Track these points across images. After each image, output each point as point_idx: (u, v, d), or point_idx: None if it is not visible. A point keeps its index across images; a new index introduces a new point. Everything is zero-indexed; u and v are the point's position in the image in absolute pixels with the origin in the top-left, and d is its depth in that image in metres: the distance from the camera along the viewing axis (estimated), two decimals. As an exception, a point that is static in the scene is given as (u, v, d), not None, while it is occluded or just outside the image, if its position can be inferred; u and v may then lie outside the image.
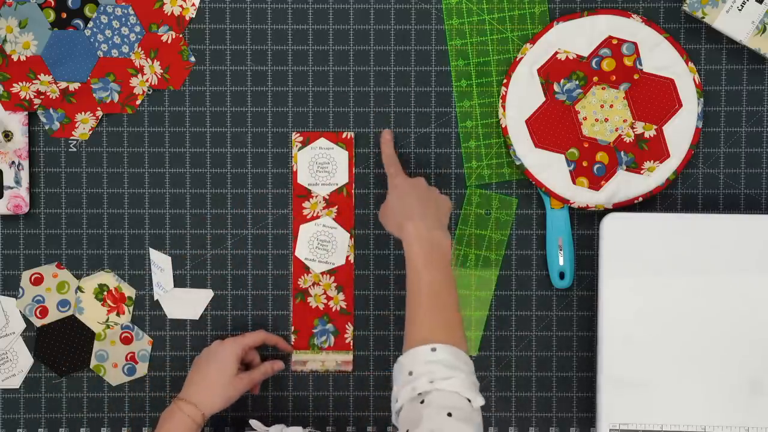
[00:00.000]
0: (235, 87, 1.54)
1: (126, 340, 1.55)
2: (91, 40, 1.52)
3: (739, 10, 1.48)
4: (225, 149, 1.55)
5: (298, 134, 1.54)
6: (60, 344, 1.54)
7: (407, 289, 1.37)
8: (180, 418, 1.43)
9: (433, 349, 1.31)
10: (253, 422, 1.47)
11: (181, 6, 1.53)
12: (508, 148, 1.52)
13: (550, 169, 1.51)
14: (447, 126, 1.55)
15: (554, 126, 1.51)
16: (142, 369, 1.55)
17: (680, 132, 1.51)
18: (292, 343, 1.55)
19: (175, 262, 1.55)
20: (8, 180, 1.52)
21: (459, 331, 1.34)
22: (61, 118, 1.53)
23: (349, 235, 1.54)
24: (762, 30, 1.49)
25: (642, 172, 1.51)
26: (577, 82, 1.51)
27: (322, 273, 1.55)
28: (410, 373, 1.30)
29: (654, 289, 1.47)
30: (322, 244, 1.54)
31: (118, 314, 1.55)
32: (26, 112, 1.53)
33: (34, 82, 1.52)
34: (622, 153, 1.51)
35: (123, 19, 1.52)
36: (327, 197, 1.54)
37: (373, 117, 1.55)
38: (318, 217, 1.54)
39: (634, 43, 1.51)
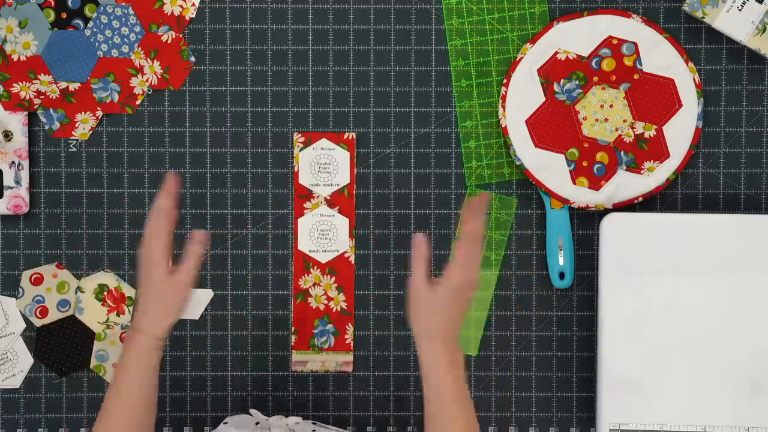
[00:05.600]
0: (235, 87, 1.54)
1: (126, 341, 1.55)
2: (91, 40, 1.52)
3: (739, 10, 1.48)
4: (225, 149, 1.55)
5: (300, 135, 1.54)
6: (60, 344, 1.54)
7: (433, 410, 1.33)
8: (134, 350, 1.32)
9: None
10: (253, 411, 1.48)
11: (181, 6, 1.53)
12: (508, 148, 1.52)
13: (550, 169, 1.52)
14: (447, 126, 1.55)
15: (554, 126, 1.51)
16: (142, 369, 1.55)
17: (680, 132, 1.51)
18: (292, 343, 1.55)
19: (175, 262, 1.55)
20: (8, 180, 1.52)
21: None
22: (61, 118, 1.53)
23: (347, 219, 1.54)
24: (762, 30, 1.49)
25: (642, 172, 1.51)
26: (577, 82, 1.51)
27: (323, 273, 1.55)
28: None
29: (654, 289, 1.47)
30: (323, 234, 1.55)
31: (118, 314, 1.55)
32: (26, 112, 1.53)
33: (34, 82, 1.52)
34: (622, 153, 1.51)
35: (123, 19, 1.52)
36: (328, 198, 1.54)
37: (373, 117, 1.55)
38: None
39: (634, 43, 1.51)
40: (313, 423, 1.47)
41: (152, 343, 1.33)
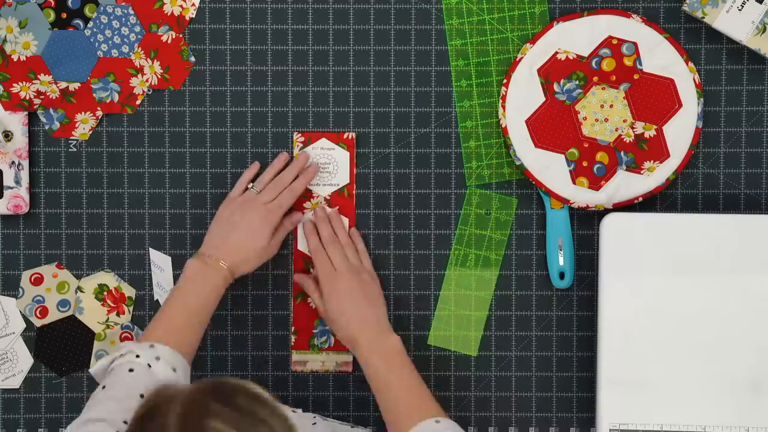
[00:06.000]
0: (235, 87, 1.54)
1: (126, 340, 1.55)
2: (91, 40, 1.52)
3: (739, 10, 1.48)
4: (225, 149, 1.55)
5: (300, 134, 1.54)
6: (60, 344, 1.54)
7: (379, 394, 1.42)
8: (214, 278, 1.44)
9: (437, 421, 1.38)
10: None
11: (181, 6, 1.53)
12: (508, 148, 1.52)
13: (550, 169, 1.52)
14: (447, 126, 1.55)
15: (554, 126, 1.51)
16: (142, 369, 1.55)
17: (680, 132, 1.51)
18: (292, 343, 1.55)
19: (175, 262, 1.55)
20: (8, 180, 1.52)
21: (442, 410, 1.41)
22: (61, 118, 1.53)
23: (347, 219, 1.53)
24: (762, 30, 1.49)
25: (642, 172, 1.51)
26: (577, 82, 1.51)
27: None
28: None
29: (654, 289, 1.47)
30: None
31: (118, 314, 1.55)
32: (26, 112, 1.53)
33: (34, 82, 1.52)
34: (622, 153, 1.51)
35: (123, 19, 1.52)
36: (328, 198, 1.54)
37: (373, 117, 1.55)
38: (318, 217, 1.54)
39: (634, 43, 1.51)
40: (313, 415, 1.48)
41: (229, 278, 1.45)
